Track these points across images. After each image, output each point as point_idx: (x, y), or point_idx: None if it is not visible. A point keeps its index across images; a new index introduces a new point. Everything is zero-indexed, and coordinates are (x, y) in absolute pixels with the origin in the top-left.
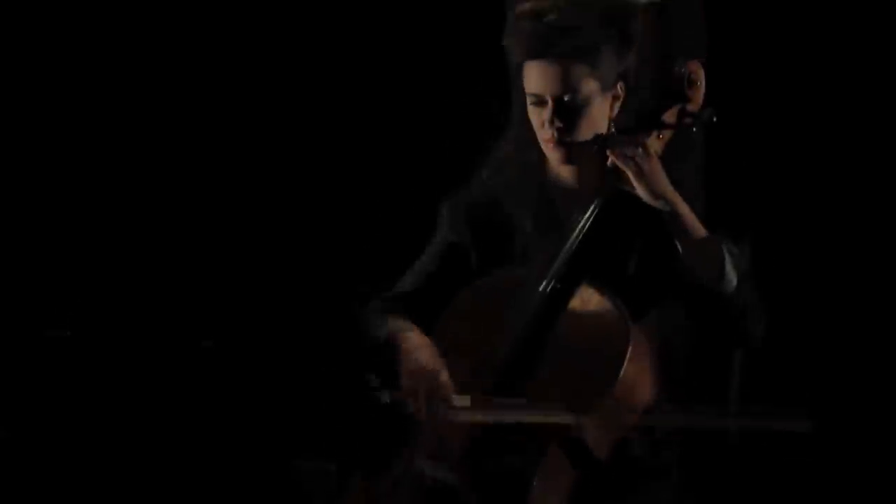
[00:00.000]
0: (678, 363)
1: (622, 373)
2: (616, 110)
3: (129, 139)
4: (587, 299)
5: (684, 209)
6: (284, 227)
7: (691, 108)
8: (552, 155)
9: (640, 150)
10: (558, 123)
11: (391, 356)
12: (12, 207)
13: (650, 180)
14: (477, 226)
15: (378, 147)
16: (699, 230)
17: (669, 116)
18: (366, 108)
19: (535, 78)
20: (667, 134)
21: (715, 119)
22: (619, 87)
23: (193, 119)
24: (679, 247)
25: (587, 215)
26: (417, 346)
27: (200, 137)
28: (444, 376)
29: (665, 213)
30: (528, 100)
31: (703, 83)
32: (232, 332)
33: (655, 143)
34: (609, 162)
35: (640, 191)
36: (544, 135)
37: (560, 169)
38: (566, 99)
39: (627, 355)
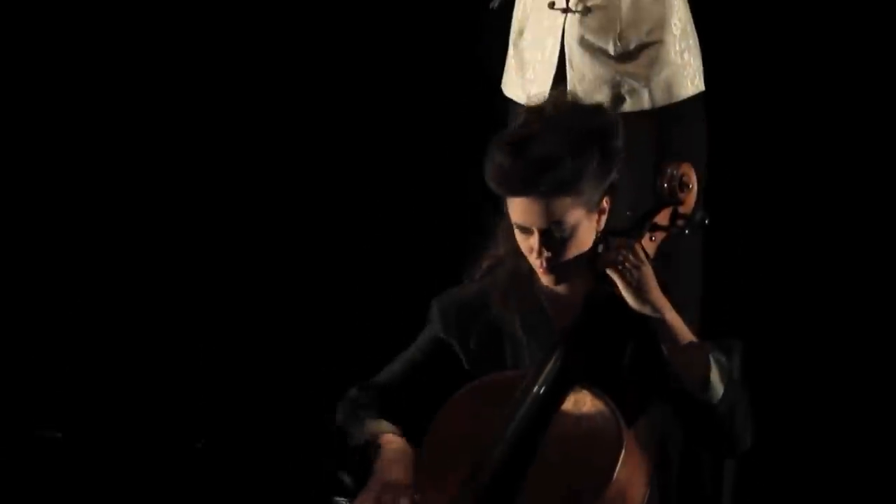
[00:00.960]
0: (671, 467)
1: (615, 476)
2: (603, 223)
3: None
4: (580, 401)
5: (671, 316)
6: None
7: (684, 210)
8: (543, 277)
9: (632, 255)
10: (546, 253)
11: (365, 457)
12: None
13: (639, 287)
14: (466, 326)
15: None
16: (686, 337)
17: (662, 219)
18: (366, 110)
19: (520, 212)
20: (659, 236)
21: (707, 222)
22: (604, 201)
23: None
24: (665, 352)
25: (575, 322)
26: (394, 459)
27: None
28: (406, 501)
29: (652, 319)
30: (515, 227)
31: (696, 185)
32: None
33: (648, 245)
34: (599, 267)
35: (629, 297)
36: (534, 260)
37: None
38: (553, 230)
39: (620, 459)
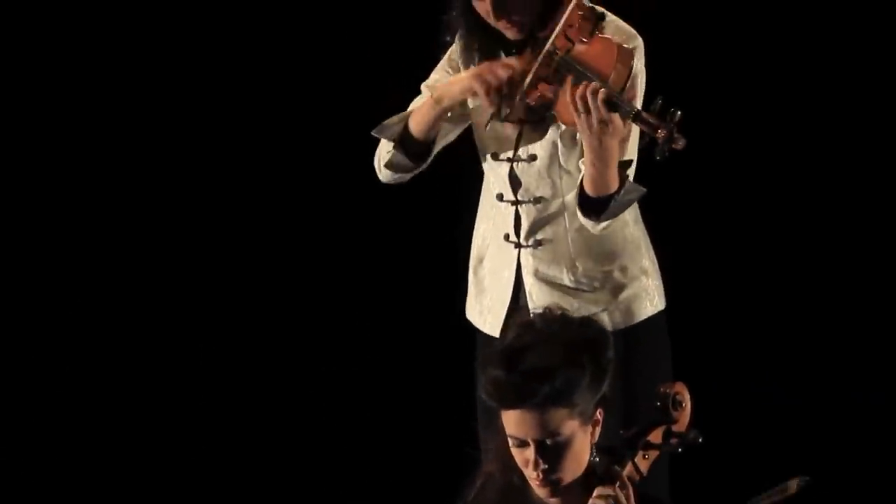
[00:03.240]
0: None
1: None
2: (598, 435)
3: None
4: None
5: None
6: None
7: (677, 428)
8: (539, 491)
9: (618, 485)
10: (543, 465)
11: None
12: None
13: None
14: None
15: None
16: None
17: (655, 437)
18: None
19: (515, 424)
20: (652, 454)
21: (701, 440)
22: (598, 413)
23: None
24: None
25: None
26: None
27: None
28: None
29: None
30: (510, 441)
31: (689, 404)
32: None
33: (641, 462)
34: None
35: None
36: (530, 474)
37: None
38: (548, 442)
39: None
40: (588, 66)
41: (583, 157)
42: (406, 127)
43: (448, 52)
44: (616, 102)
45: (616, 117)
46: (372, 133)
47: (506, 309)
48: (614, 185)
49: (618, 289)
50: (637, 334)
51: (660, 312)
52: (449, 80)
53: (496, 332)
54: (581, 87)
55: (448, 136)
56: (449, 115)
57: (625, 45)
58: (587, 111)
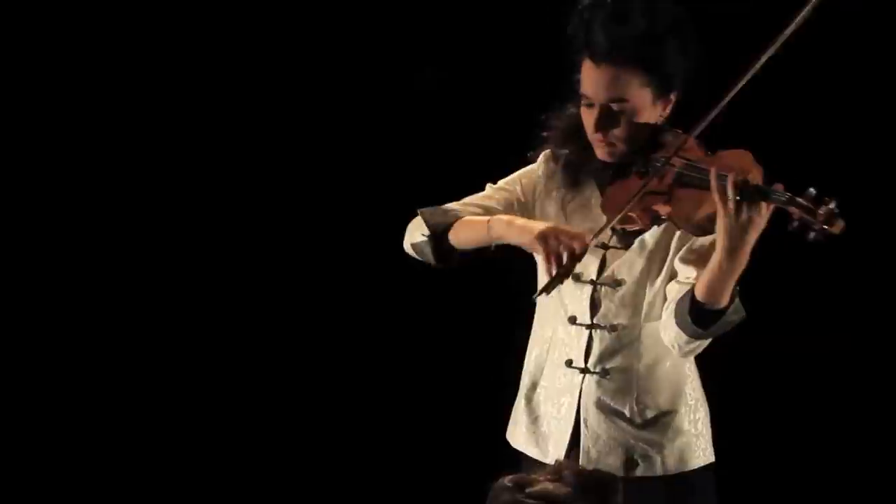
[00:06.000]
0: None
1: None
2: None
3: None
4: None
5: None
6: None
7: None
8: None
9: None
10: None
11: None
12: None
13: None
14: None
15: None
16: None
17: None
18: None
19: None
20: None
21: None
22: (672, 95)
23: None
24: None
25: None
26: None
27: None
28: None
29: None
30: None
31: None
32: None
33: None
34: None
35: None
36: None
37: None
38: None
39: None
40: (725, 169)
41: (670, 281)
42: (450, 225)
43: (526, 169)
44: (765, 189)
45: (763, 206)
46: (418, 210)
47: (568, 436)
48: (727, 299)
49: (675, 433)
50: (687, 482)
51: (710, 465)
52: (513, 219)
53: (553, 459)
54: (726, 178)
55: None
56: (494, 246)
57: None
58: (732, 203)
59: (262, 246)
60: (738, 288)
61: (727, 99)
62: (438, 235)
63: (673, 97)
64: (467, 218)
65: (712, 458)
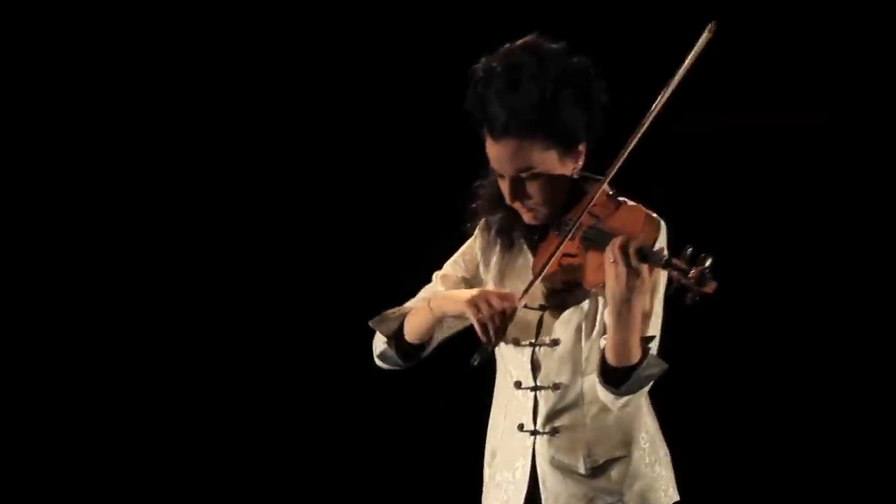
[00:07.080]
0: None
1: None
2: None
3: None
4: None
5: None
6: None
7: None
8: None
9: None
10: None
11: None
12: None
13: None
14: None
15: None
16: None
17: None
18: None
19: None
20: None
21: None
22: (580, 147)
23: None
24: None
25: None
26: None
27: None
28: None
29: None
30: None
31: None
32: None
33: None
34: None
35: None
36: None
37: None
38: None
39: None
40: (617, 230)
41: (604, 334)
42: (401, 325)
43: (465, 245)
44: (646, 252)
45: (645, 267)
46: (369, 323)
47: (522, 499)
48: (637, 356)
49: (633, 478)
50: None
51: None
52: (447, 294)
53: None
54: (613, 244)
55: (447, 335)
56: (443, 325)
57: (651, 214)
58: (619, 265)
59: (262, 246)
60: (650, 347)
61: (630, 146)
62: (397, 338)
63: (582, 147)
64: (412, 310)
65: (676, 497)
